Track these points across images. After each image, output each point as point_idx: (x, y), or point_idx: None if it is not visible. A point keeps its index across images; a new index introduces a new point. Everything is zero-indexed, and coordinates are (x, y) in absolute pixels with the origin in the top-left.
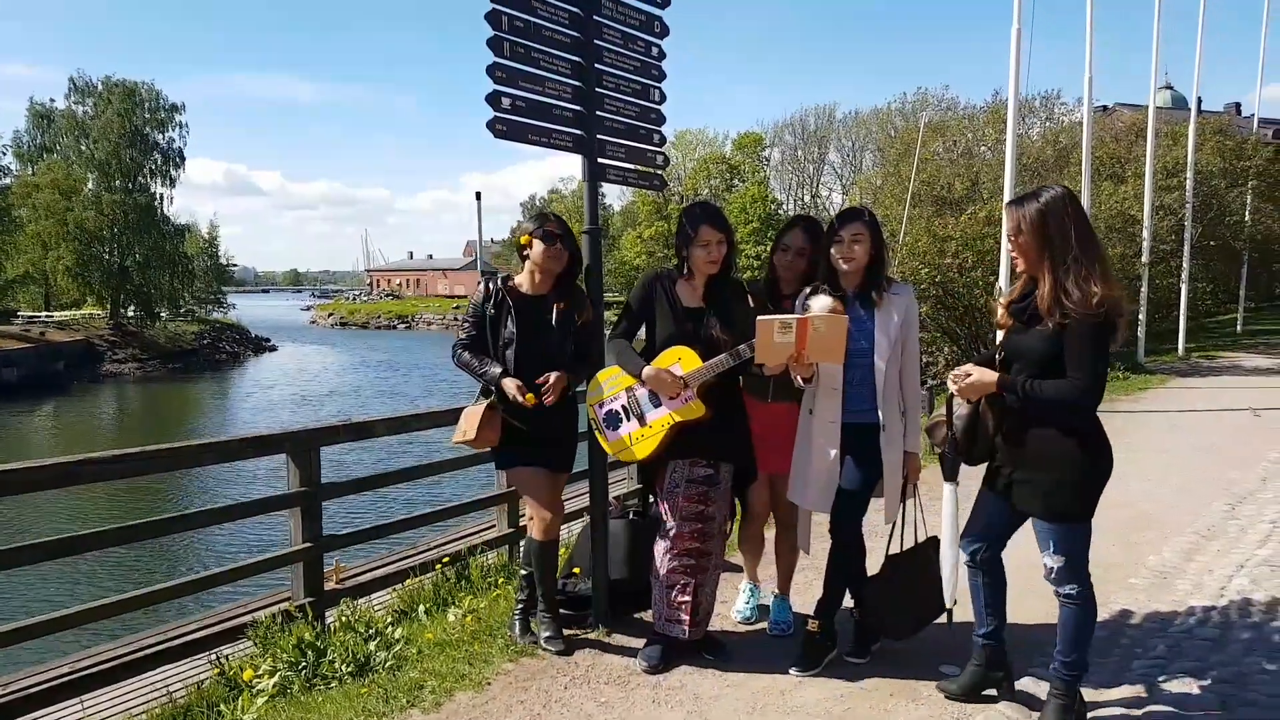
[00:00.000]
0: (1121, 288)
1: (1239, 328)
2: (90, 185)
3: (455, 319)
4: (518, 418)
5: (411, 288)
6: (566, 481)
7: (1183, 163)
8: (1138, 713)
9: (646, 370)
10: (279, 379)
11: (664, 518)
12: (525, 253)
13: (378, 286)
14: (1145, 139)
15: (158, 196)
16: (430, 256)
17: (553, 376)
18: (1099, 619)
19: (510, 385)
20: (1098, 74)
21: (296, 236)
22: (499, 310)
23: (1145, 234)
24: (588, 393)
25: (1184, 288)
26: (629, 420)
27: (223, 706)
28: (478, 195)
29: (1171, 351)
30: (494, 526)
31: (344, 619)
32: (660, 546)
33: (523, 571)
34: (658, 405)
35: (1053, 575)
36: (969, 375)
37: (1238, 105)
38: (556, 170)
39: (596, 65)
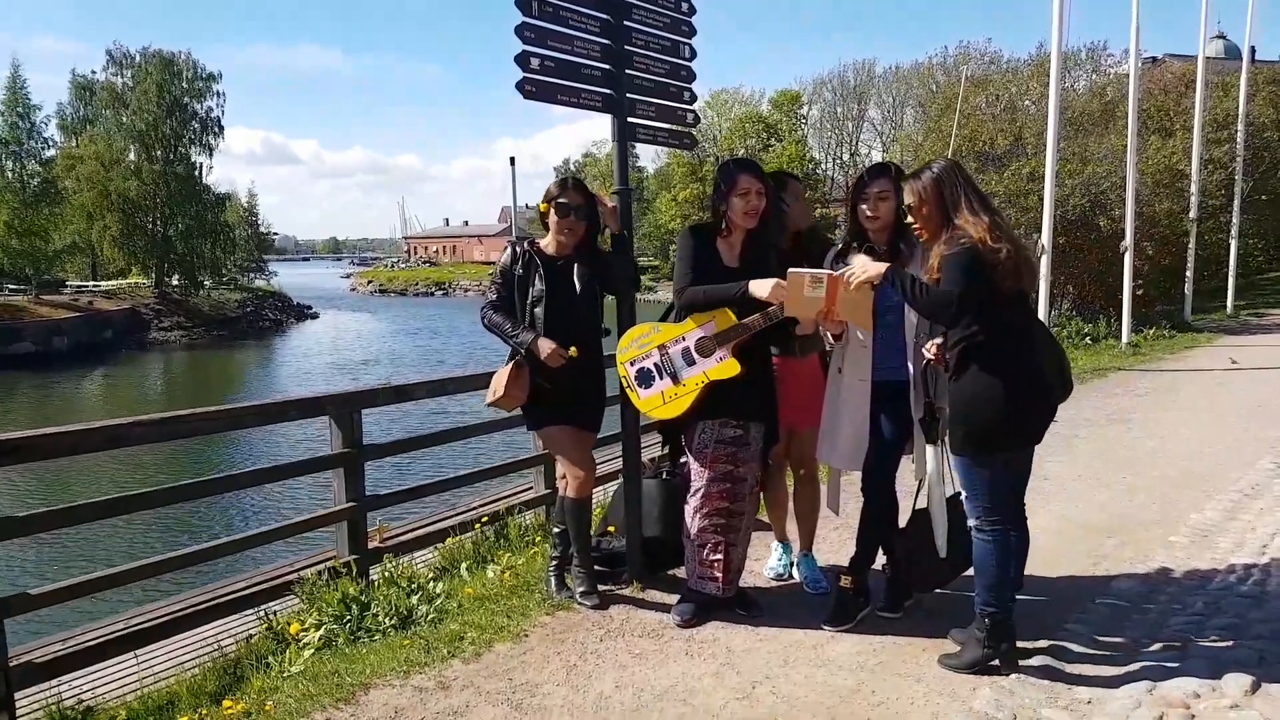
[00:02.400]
0: (1012, 242)
1: None
2: (131, 156)
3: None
4: (545, 377)
5: (448, 254)
6: (596, 443)
7: (1234, 114)
8: (1174, 666)
9: (756, 284)
10: (320, 346)
11: (694, 477)
12: (548, 220)
13: (415, 253)
14: (1194, 90)
15: (197, 166)
16: (466, 223)
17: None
18: (1139, 573)
19: (545, 346)
20: (1145, 24)
21: (333, 205)
22: (527, 270)
23: (1194, 189)
24: (619, 350)
25: (1233, 244)
26: (662, 378)
27: (271, 659)
28: (511, 161)
29: (1220, 309)
30: (531, 488)
31: (387, 574)
32: (691, 505)
33: (556, 529)
34: (692, 364)
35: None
36: (859, 267)
37: None
38: (589, 134)
39: (626, 22)
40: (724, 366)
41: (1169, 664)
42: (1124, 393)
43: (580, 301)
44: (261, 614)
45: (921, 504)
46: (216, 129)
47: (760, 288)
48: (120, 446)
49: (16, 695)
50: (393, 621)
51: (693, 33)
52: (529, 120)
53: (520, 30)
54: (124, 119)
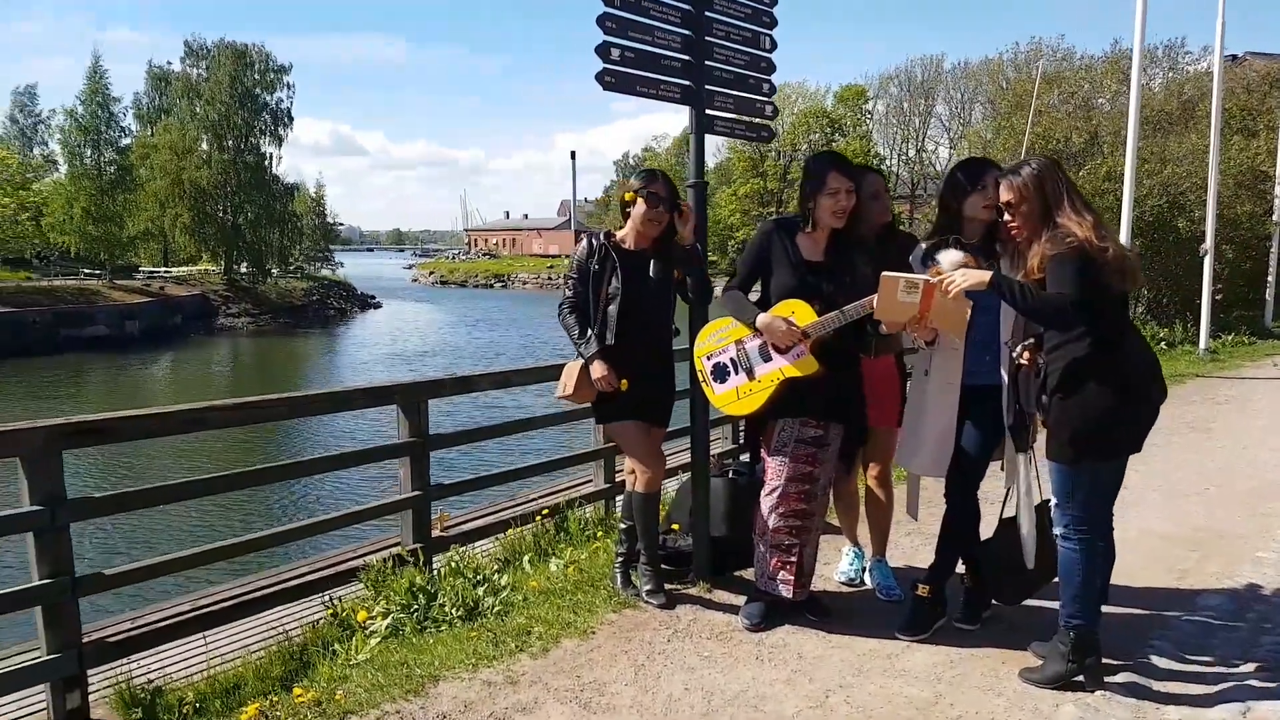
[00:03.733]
0: (1115, 242)
1: None
2: (204, 145)
3: (550, 278)
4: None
5: (507, 247)
6: (664, 438)
7: None
8: (1268, 686)
9: (762, 317)
10: (384, 335)
11: (771, 476)
12: (628, 209)
13: (475, 246)
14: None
15: (267, 156)
16: (525, 216)
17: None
18: (1226, 589)
19: (599, 369)
20: (1227, 21)
21: (396, 196)
22: (603, 266)
23: (1278, 190)
24: (696, 343)
25: None
26: (737, 373)
27: (337, 646)
28: (572, 155)
29: None
30: (590, 481)
31: (453, 564)
32: (766, 505)
33: (623, 525)
34: (768, 360)
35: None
36: (960, 274)
37: None
38: (649, 128)
39: (707, 13)
40: (802, 364)
41: (1262, 684)
42: (1203, 400)
43: (654, 298)
44: (326, 600)
45: (1009, 513)
46: (286, 120)
47: (764, 321)
48: (199, 430)
49: (90, 672)
50: (459, 612)
51: (774, 23)
52: (588, 114)
53: (602, 20)
54: (197, 109)
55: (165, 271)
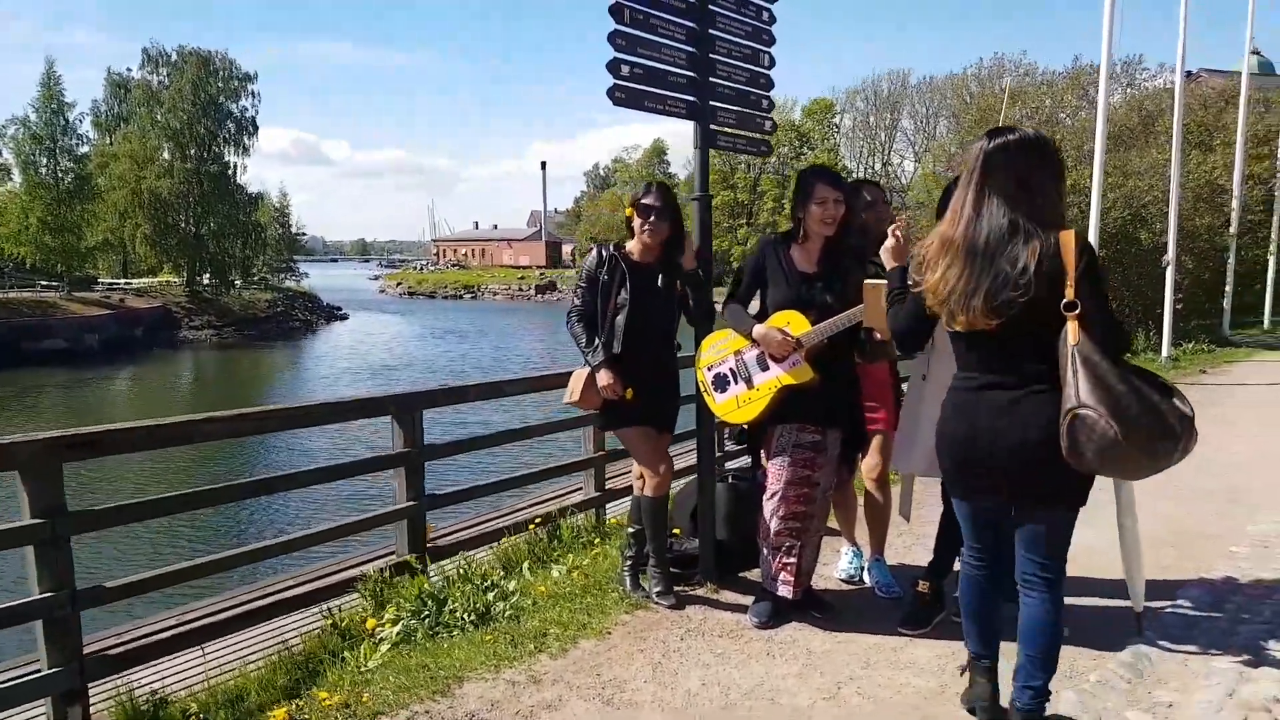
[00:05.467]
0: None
1: None
2: (165, 154)
3: (520, 289)
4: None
5: (477, 257)
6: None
7: (1275, 130)
8: (1250, 672)
9: (757, 329)
10: (351, 348)
11: (771, 481)
12: (632, 224)
13: (443, 256)
14: (1235, 106)
15: (231, 165)
16: (495, 226)
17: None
18: (1205, 582)
19: (605, 377)
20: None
21: (363, 206)
22: (612, 276)
23: (1235, 204)
24: (696, 355)
25: (1272, 259)
26: (736, 383)
27: (347, 654)
28: (543, 165)
29: (1256, 324)
30: (581, 489)
31: (460, 571)
32: (767, 509)
33: (631, 529)
34: (766, 369)
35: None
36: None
37: None
38: (622, 139)
39: (711, 30)
40: (798, 371)
41: (1244, 669)
42: None
43: (661, 310)
44: (325, 610)
45: None
46: (251, 129)
47: (759, 332)
48: (192, 442)
49: (89, 685)
50: (471, 618)
51: (772, 41)
52: (563, 125)
53: (612, 38)
54: (158, 117)
55: (125, 283)
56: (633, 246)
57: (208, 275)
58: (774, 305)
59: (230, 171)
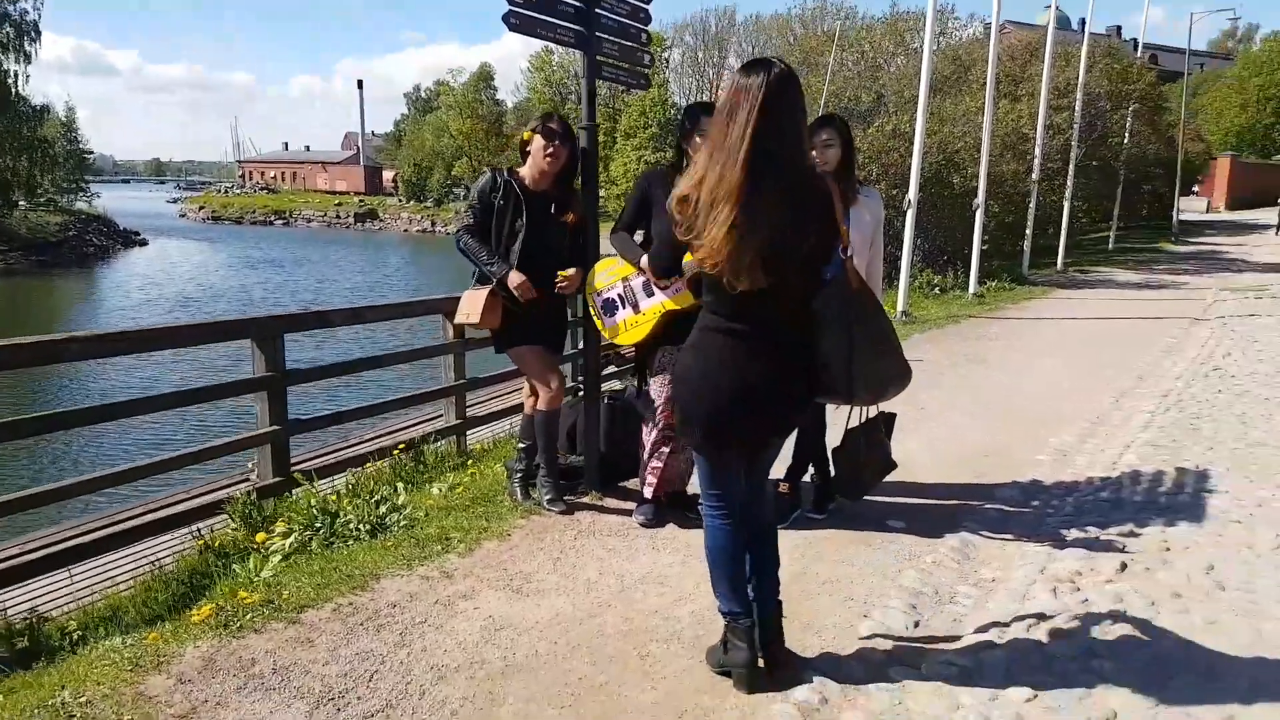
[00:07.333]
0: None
1: (1110, 245)
2: None
3: (338, 216)
4: (515, 304)
5: (288, 181)
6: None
7: (1074, 83)
8: (1057, 553)
9: (644, 258)
10: (154, 277)
11: (654, 396)
12: (527, 149)
13: (250, 179)
14: (1039, 58)
15: (12, 74)
16: (307, 148)
17: (571, 272)
18: (1015, 483)
19: (516, 278)
20: None
21: (156, 123)
22: (507, 201)
23: (1037, 152)
24: (587, 282)
25: (1066, 205)
26: (624, 308)
27: (237, 567)
28: (359, 84)
29: (1050, 265)
30: (441, 417)
31: (349, 486)
32: (647, 420)
33: (521, 444)
34: (651, 295)
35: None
36: None
37: (1119, 28)
38: (440, 59)
39: None
40: (680, 297)
41: (1051, 551)
42: (978, 338)
43: (554, 234)
44: (195, 532)
45: (853, 424)
46: (34, 33)
47: (645, 260)
48: (56, 362)
49: None
50: (366, 528)
51: None
52: (371, 41)
53: None
54: None
55: None
56: (526, 172)
57: None
58: (657, 235)
59: (11, 80)
